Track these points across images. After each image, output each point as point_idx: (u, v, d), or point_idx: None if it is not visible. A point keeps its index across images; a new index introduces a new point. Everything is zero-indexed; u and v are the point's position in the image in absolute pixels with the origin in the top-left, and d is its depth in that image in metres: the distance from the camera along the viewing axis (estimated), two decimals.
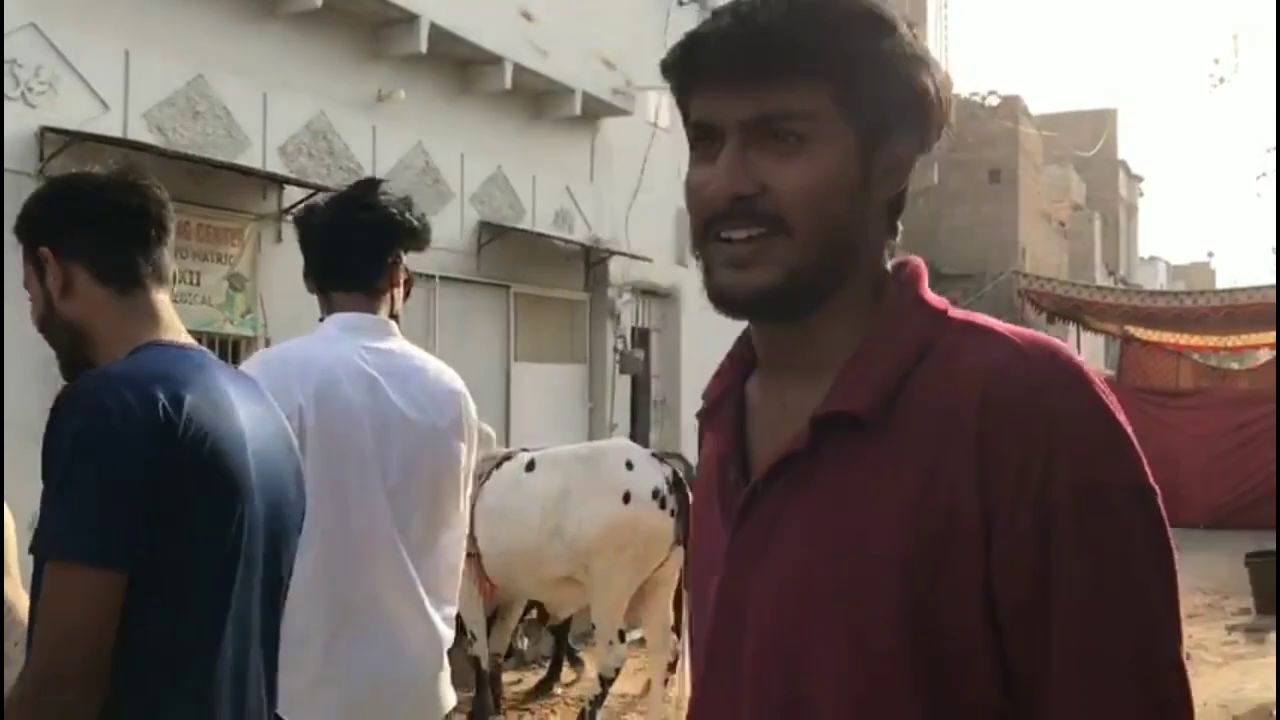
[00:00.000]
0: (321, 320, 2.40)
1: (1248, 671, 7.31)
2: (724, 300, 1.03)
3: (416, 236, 2.43)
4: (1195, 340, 21.28)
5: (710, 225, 1.03)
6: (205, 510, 1.53)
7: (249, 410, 1.63)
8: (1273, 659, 7.76)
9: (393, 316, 2.43)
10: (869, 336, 1.03)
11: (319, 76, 7.43)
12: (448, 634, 2.41)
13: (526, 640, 6.93)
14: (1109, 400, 0.96)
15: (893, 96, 1.02)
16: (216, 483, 1.53)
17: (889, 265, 1.09)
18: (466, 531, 2.58)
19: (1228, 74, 29.08)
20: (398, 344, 2.40)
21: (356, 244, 2.37)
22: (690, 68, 1.05)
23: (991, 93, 23.30)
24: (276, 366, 2.21)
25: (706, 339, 13.40)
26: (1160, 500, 0.95)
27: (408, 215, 2.40)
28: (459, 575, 2.52)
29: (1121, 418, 0.95)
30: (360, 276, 2.37)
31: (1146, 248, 48.27)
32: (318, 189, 7.03)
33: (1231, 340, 20.91)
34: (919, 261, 1.10)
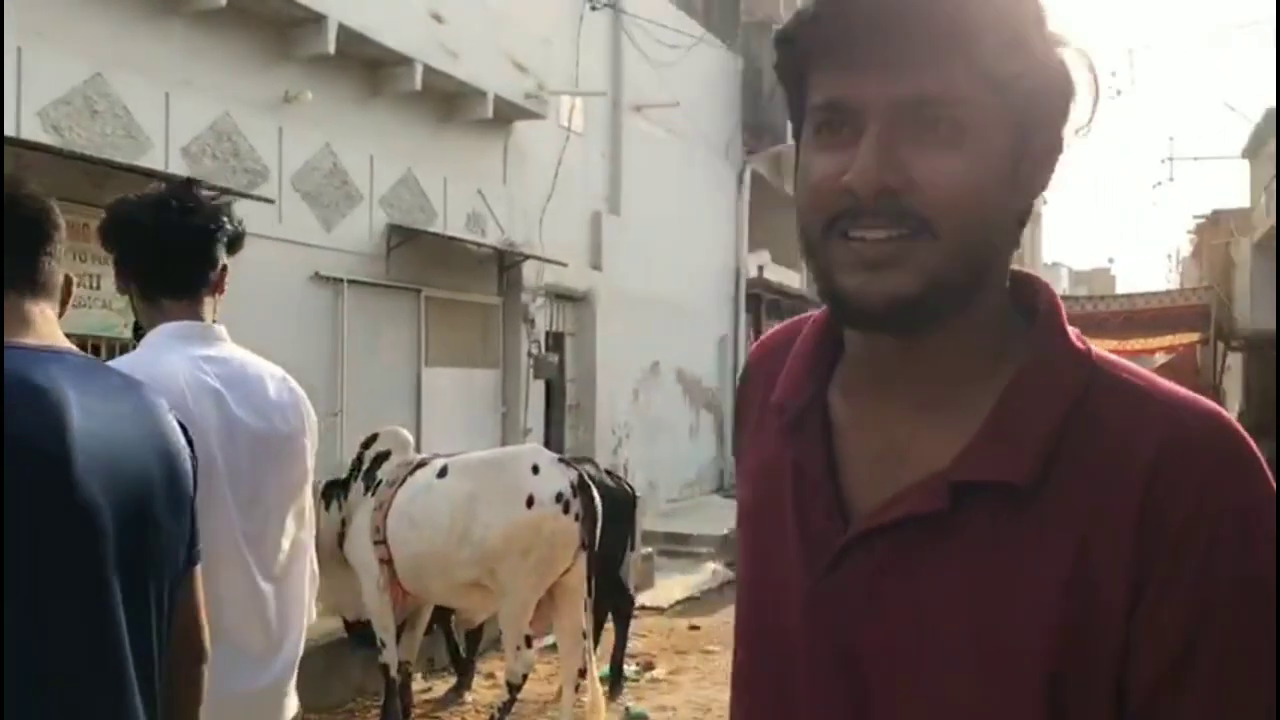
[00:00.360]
0: (140, 328, 2.32)
1: None
2: (849, 307, 0.91)
3: (239, 241, 2.37)
4: (1096, 345, 21.88)
5: (836, 221, 0.90)
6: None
7: (100, 415, 1.48)
8: None
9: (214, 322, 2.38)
10: (1017, 382, 0.92)
11: (223, 76, 7.29)
12: (297, 644, 2.38)
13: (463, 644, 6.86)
14: (1273, 484, 0.88)
15: (1047, 87, 0.90)
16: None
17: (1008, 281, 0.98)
18: (313, 535, 2.55)
19: (1125, 87, 29.95)
20: (231, 350, 2.34)
21: (186, 248, 2.27)
22: (828, 35, 0.89)
23: None
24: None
25: (621, 343, 13.52)
26: None
27: (230, 218, 2.35)
28: (313, 581, 2.50)
29: None
30: (190, 282, 2.29)
31: (1050, 254, 49.50)
32: (223, 191, 6.89)
33: (1131, 344, 21.54)
34: (1049, 286, 0.98)
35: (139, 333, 2.31)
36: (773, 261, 16.99)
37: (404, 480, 5.81)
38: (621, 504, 6.86)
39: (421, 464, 5.95)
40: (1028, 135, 0.91)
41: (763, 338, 1.15)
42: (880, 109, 0.88)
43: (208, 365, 2.25)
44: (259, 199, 7.25)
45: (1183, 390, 0.92)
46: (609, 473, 7.11)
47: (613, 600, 6.81)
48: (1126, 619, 0.85)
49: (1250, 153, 19.78)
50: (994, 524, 0.89)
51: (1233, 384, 26.48)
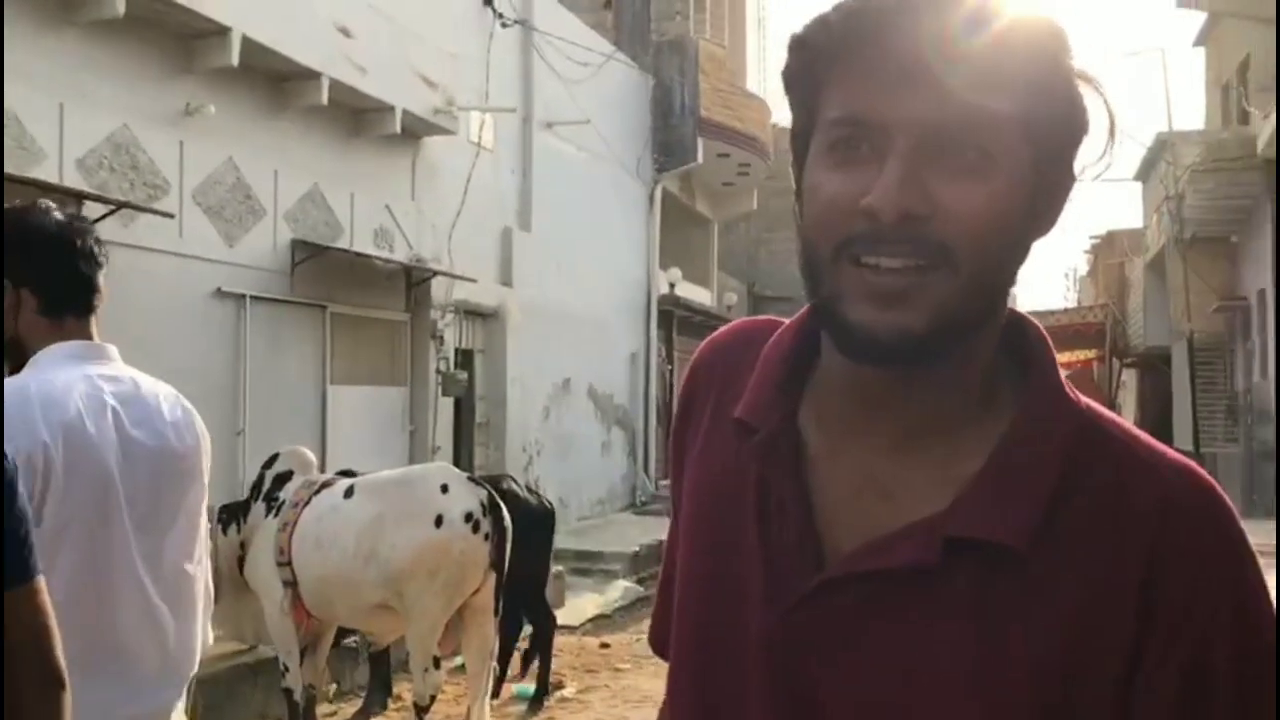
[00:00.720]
0: (32, 348, 2.22)
1: None
2: (856, 340, 0.85)
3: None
4: None
5: (848, 245, 0.84)
6: None
7: None
8: None
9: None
10: (1015, 433, 0.88)
11: (122, 88, 7.12)
12: (192, 665, 2.36)
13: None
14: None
15: (1067, 121, 0.87)
16: None
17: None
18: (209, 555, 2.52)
19: None
20: (122, 369, 2.30)
21: (89, 264, 2.23)
22: (861, 47, 0.84)
23: None
24: (17, 401, 2.06)
25: (531, 360, 13.46)
26: None
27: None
28: (209, 600, 2.47)
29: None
30: (91, 302, 2.25)
31: None
32: (120, 205, 6.73)
33: None
34: (1040, 328, 0.95)
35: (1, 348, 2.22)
36: (684, 279, 17.10)
37: (309, 501, 5.72)
38: (544, 521, 6.85)
39: (326, 484, 5.86)
40: (1046, 169, 0.87)
41: (719, 331, 1.09)
42: (910, 130, 0.83)
43: (105, 384, 2.22)
44: (159, 213, 7.10)
45: (1165, 448, 0.91)
46: (530, 490, 7.08)
47: (535, 618, 6.79)
48: (1123, 687, 0.83)
49: (1142, 175, 20.47)
50: (985, 583, 0.85)
51: (1127, 398, 27.32)
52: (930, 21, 0.82)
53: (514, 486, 6.96)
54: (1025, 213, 0.87)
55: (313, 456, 6.24)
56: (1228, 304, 15.47)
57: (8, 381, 2.09)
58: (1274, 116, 8.46)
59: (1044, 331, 0.95)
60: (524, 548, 5.83)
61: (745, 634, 0.92)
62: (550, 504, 7.10)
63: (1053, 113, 0.85)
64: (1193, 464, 0.90)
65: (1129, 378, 25.37)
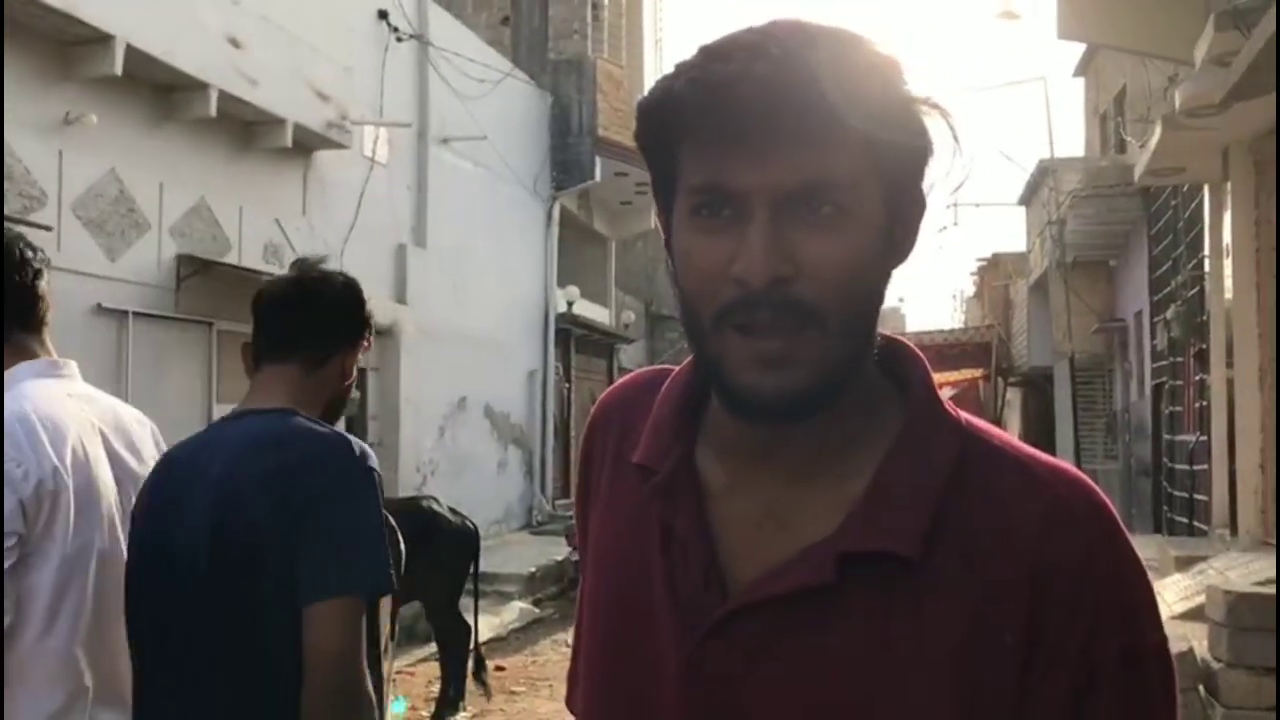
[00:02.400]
0: None
1: None
2: (744, 403, 0.88)
3: None
4: None
5: (725, 314, 0.86)
6: None
7: None
8: None
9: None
10: (897, 451, 0.91)
11: None
12: None
13: None
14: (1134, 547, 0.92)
15: (912, 150, 0.89)
16: None
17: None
18: None
19: None
20: (88, 388, 2.15)
21: (24, 273, 2.05)
22: (705, 117, 0.85)
23: None
24: (23, 428, 1.90)
25: (426, 378, 13.27)
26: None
27: None
28: None
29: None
30: (34, 311, 2.08)
31: None
32: None
33: None
34: (916, 350, 0.98)
35: None
36: (582, 297, 17.08)
37: None
38: (466, 539, 6.78)
39: None
40: (898, 200, 0.90)
41: (612, 387, 1.12)
42: (765, 196, 0.85)
43: (84, 405, 2.07)
44: (36, 225, 6.83)
45: (1050, 457, 0.94)
46: (453, 510, 6.98)
47: (447, 636, 6.69)
48: (1019, 686, 0.86)
49: (1025, 200, 21.12)
50: (882, 595, 0.87)
51: (1012, 416, 28.08)
52: (772, 85, 0.82)
53: (435, 506, 6.86)
54: (882, 251, 0.89)
55: None
56: (1107, 325, 16.02)
57: (10, 402, 1.94)
58: (1149, 146, 8.81)
59: (915, 350, 0.98)
60: (447, 568, 5.73)
61: (665, 674, 0.93)
62: (474, 525, 7.03)
63: (898, 144, 0.87)
64: (1074, 470, 0.93)
65: (1013, 396, 26.10)
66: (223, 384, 8.94)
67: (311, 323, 2.08)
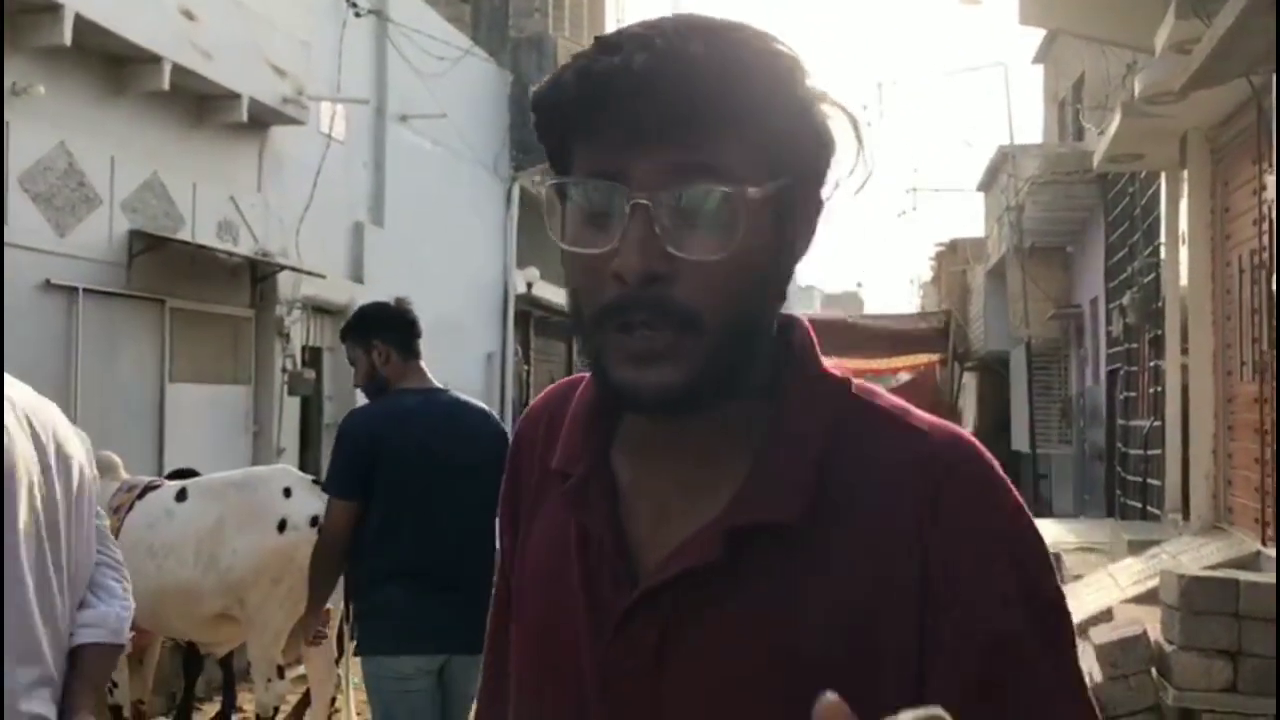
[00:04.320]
0: None
1: None
2: (623, 398, 0.89)
3: None
4: (845, 363, 22.98)
5: (606, 312, 0.87)
6: None
7: None
8: None
9: None
10: (777, 421, 0.91)
11: None
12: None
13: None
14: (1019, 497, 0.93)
15: (809, 149, 0.89)
16: None
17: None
18: None
19: (874, 119, 31.69)
20: None
21: None
22: (589, 106, 0.85)
23: None
24: None
25: None
26: None
27: None
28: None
29: None
30: None
31: (804, 277, 51.66)
32: None
33: (875, 364, 22.68)
34: (806, 324, 0.98)
35: None
36: (541, 279, 16.98)
37: (131, 505, 5.43)
38: None
39: (151, 487, 5.57)
40: (792, 201, 0.89)
41: (533, 403, 1.11)
42: (647, 187, 0.84)
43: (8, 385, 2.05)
44: None
45: (933, 418, 0.94)
46: None
47: None
48: (916, 642, 0.86)
49: (984, 186, 21.24)
50: (773, 565, 0.88)
51: (968, 401, 28.33)
52: (652, 77, 0.82)
53: None
54: (772, 249, 0.89)
55: (115, 458, 5.88)
56: (1063, 311, 16.15)
57: None
58: (1108, 133, 8.86)
59: (808, 325, 0.98)
60: None
61: (585, 678, 0.94)
62: None
63: (788, 142, 0.87)
64: (955, 428, 0.93)
65: (970, 381, 26.31)
66: (175, 363, 8.79)
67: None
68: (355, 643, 3.81)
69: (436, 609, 3.55)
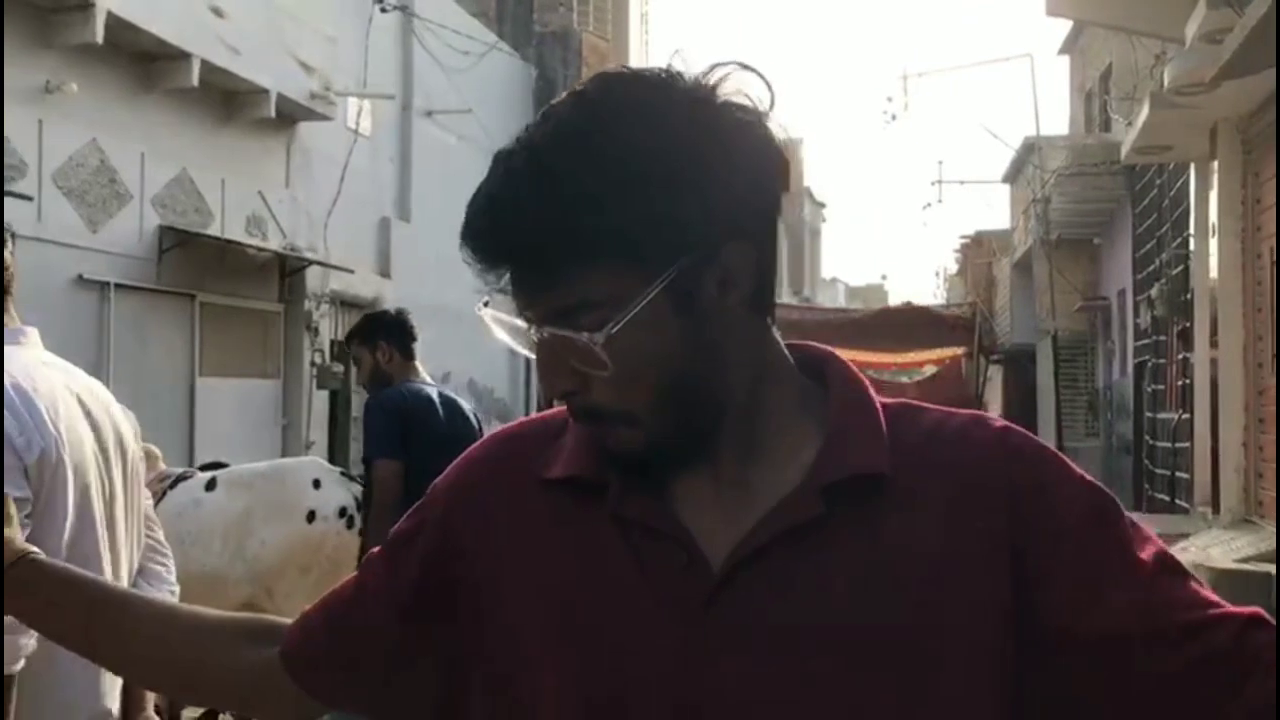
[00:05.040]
0: None
1: None
2: (612, 457, 0.95)
3: None
4: (870, 356, 22.90)
5: (570, 414, 0.96)
6: None
7: None
8: None
9: None
10: (839, 412, 0.96)
11: None
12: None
13: None
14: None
15: (707, 225, 0.88)
16: None
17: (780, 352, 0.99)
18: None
19: (899, 112, 31.59)
20: (52, 356, 2.14)
21: (2, 242, 2.11)
22: (477, 253, 0.94)
23: None
24: (20, 398, 1.93)
25: None
26: None
27: None
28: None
29: None
30: (3, 283, 2.10)
31: (828, 269, 51.47)
32: None
33: (901, 357, 22.60)
34: (835, 355, 1.04)
35: None
36: None
37: (163, 495, 5.49)
38: None
39: (182, 477, 5.63)
40: (693, 278, 0.89)
41: (470, 451, 1.11)
42: (538, 322, 0.90)
43: (60, 374, 2.09)
44: (16, 195, 6.75)
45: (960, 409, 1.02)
46: None
47: None
48: (1016, 578, 0.91)
49: (1010, 178, 21.13)
50: (868, 516, 0.92)
51: (993, 394, 28.18)
52: (505, 250, 0.90)
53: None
54: (684, 329, 0.89)
55: (154, 449, 5.96)
56: (1090, 304, 16.05)
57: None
58: (1136, 124, 8.81)
59: (840, 359, 1.03)
60: None
61: (644, 662, 0.93)
62: None
63: (676, 230, 0.87)
64: (989, 416, 1.01)
65: (995, 374, 26.19)
66: (205, 355, 8.87)
67: None
68: None
69: None
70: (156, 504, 5.41)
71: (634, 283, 0.87)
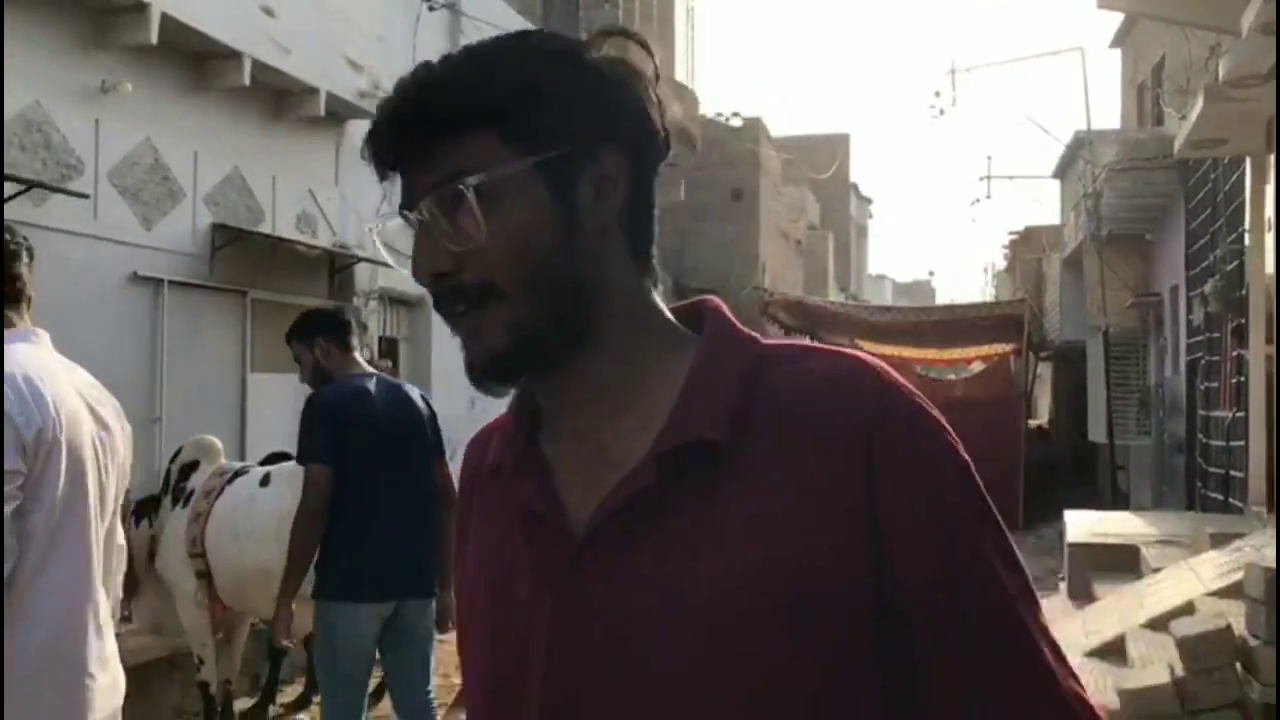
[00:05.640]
0: None
1: None
2: (471, 375, 1.00)
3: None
4: (917, 353, 22.76)
5: (438, 304, 1.00)
6: None
7: None
8: None
9: None
10: (695, 367, 0.98)
11: (34, 63, 6.87)
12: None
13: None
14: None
15: (580, 119, 0.96)
16: None
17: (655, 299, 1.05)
18: None
19: (946, 107, 31.29)
20: (59, 355, 2.37)
21: (12, 257, 2.33)
22: (375, 146, 1.00)
23: (735, 114, 24.19)
24: (21, 381, 2.16)
25: (456, 349, 13.36)
26: None
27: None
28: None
29: None
30: (18, 290, 2.35)
31: (875, 266, 51.19)
32: (31, 184, 6.50)
33: (948, 354, 22.38)
34: (719, 303, 1.07)
35: None
36: None
37: (221, 490, 5.58)
38: None
39: (240, 473, 5.73)
40: (573, 169, 0.96)
41: (476, 433, 1.18)
42: (421, 197, 0.96)
43: (66, 370, 2.32)
44: (73, 194, 6.87)
45: (837, 349, 1.01)
46: None
47: None
48: (875, 533, 0.91)
49: (1060, 173, 20.90)
50: (707, 483, 0.93)
51: (1043, 391, 27.90)
52: (400, 107, 0.97)
53: None
54: (559, 216, 0.96)
55: (217, 443, 6.09)
56: (1141, 300, 15.84)
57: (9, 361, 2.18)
58: (1190, 117, 8.68)
59: (720, 305, 1.06)
60: None
61: (532, 647, 0.97)
62: None
63: (552, 120, 0.95)
64: (860, 355, 0.99)
65: (1045, 371, 25.91)
66: (256, 352, 8.99)
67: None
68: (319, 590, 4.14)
69: (393, 559, 4.12)
70: (215, 499, 5.54)
71: (509, 157, 0.95)
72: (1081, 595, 8.08)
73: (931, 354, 22.80)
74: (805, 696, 0.90)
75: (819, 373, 0.97)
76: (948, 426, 0.97)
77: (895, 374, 0.98)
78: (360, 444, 4.13)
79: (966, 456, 0.96)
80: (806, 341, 1.03)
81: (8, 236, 2.33)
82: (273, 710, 6.41)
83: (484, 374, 0.98)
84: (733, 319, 1.04)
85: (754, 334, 1.02)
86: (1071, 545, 8.99)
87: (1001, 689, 0.91)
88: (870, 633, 0.91)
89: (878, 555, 0.91)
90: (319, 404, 4.24)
